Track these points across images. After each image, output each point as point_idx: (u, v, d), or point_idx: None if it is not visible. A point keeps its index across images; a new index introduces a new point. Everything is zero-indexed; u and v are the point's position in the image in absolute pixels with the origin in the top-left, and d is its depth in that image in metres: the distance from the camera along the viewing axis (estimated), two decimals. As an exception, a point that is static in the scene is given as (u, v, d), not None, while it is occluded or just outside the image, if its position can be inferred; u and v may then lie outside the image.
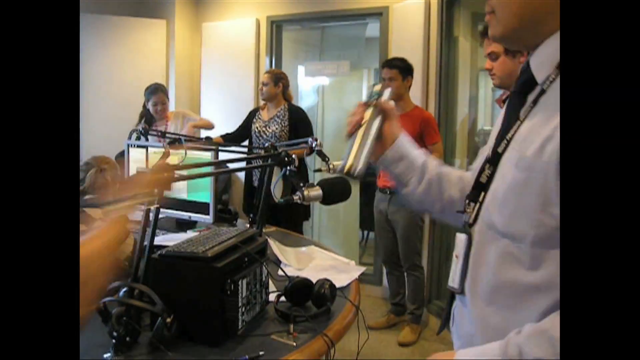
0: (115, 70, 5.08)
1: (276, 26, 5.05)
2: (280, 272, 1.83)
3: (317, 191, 1.70)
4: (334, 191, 1.74)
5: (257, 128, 4.05)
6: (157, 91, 4.22)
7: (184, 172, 1.53)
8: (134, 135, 3.12)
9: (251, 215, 2.66)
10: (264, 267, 1.63)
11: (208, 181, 2.69)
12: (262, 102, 4.30)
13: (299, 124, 3.96)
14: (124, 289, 1.43)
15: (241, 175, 4.99)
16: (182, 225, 2.82)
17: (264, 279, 1.64)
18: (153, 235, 1.41)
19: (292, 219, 3.82)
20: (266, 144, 2.20)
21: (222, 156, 2.91)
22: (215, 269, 1.40)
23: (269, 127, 3.98)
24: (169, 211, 2.83)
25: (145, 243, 1.40)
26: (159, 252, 1.48)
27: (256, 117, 4.12)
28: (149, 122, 4.29)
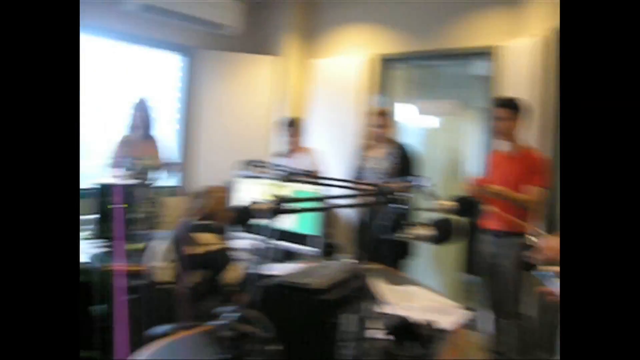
0: (228, 103, 5.38)
1: (386, 64, 5.11)
2: (384, 310, 1.82)
3: (428, 230, 1.69)
4: (447, 232, 1.72)
5: (364, 167, 4.08)
6: (291, 124, 4.49)
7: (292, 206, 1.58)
8: (245, 166, 3.24)
9: (355, 251, 2.67)
10: (370, 304, 1.63)
11: (315, 215, 2.75)
12: (370, 141, 4.32)
13: (406, 162, 3.96)
14: (235, 314, 1.47)
15: (346, 210, 5.03)
16: (288, 256, 2.89)
17: (369, 315, 1.64)
18: (265, 263, 1.45)
19: (395, 257, 3.80)
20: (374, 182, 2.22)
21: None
22: (325, 302, 1.42)
23: (377, 166, 4.00)
24: (276, 241, 2.90)
25: (257, 271, 1.45)
26: (270, 280, 1.52)
27: (363, 156, 4.15)
28: (283, 154, 4.47)
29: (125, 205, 3.31)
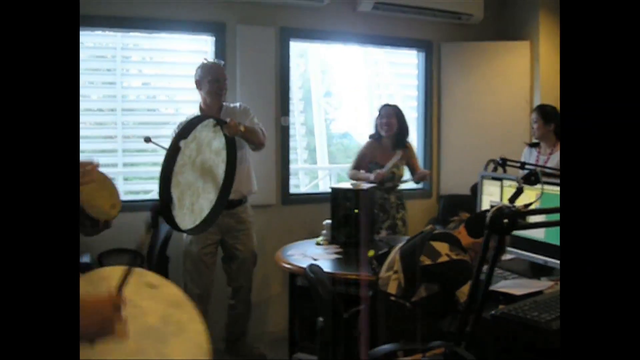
0: (474, 97, 4.96)
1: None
2: None
3: None
4: None
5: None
6: (547, 116, 3.78)
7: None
8: (490, 166, 2.89)
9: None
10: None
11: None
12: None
13: None
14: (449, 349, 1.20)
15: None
16: (537, 271, 2.45)
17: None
18: (504, 279, 1.15)
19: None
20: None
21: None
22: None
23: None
24: (522, 252, 2.49)
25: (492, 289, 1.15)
26: (493, 311, 1.21)
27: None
28: (538, 150, 3.92)
29: (357, 211, 3.24)
